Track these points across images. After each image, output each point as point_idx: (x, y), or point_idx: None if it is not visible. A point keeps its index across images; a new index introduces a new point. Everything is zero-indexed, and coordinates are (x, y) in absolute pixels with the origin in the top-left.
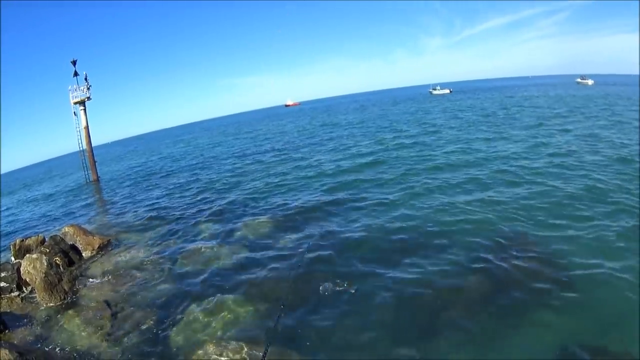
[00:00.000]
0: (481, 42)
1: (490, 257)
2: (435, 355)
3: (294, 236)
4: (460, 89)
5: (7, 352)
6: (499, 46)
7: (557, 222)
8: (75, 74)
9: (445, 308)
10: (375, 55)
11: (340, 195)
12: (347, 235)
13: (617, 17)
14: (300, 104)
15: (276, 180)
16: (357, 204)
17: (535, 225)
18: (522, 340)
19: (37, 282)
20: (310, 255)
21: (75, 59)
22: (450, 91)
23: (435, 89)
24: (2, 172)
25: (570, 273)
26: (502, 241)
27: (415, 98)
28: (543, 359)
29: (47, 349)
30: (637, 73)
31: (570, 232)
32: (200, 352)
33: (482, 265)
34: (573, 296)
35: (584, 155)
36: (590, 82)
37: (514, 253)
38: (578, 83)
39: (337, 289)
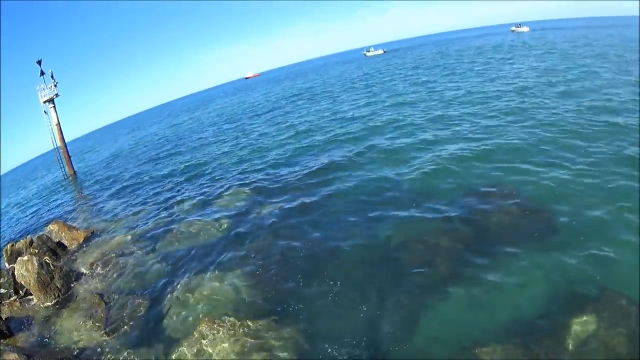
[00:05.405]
0: None
1: None
2: None
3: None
4: (402, 47)
5: (17, 356)
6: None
7: None
8: (42, 73)
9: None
10: (340, 18)
11: None
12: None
13: None
14: (260, 74)
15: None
16: None
17: None
18: None
19: (31, 284)
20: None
21: (40, 59)
22: (384, 51)
23: (369, 51)
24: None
25: None
26: None
27: (351, 61)
28: None
29: (50, 348)
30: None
31: None
32: (195, 332)
33: None
34: None
35: None
36: (525, 29)
37: None
38: (513, 31)
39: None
